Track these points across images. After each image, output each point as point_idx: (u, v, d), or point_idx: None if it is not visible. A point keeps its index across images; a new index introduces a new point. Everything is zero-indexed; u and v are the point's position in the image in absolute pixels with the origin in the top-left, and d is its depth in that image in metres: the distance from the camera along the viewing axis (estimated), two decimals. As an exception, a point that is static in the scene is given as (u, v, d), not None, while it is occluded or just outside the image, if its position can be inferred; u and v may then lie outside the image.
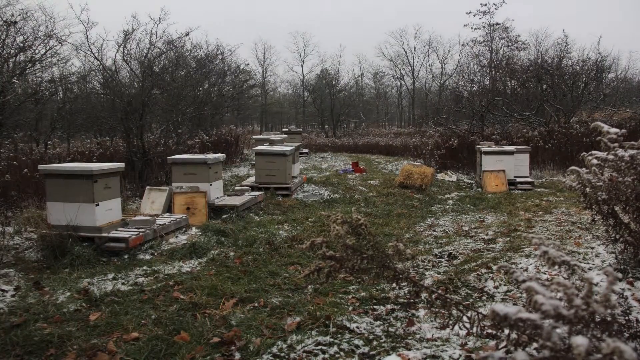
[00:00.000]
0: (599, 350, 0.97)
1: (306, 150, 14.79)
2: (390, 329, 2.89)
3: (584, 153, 2.99)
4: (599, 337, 1.24)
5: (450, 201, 7.51)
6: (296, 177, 9.01)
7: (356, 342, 2.71)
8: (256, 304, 3.31)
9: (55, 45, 10.01)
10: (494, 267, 3.98)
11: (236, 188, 7.71)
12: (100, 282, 3.84)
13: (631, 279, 3.26)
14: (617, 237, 3.10)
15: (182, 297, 3.41)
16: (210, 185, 6.42)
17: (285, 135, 13.09)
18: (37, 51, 9.97)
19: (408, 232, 5.49)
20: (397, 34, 57.35)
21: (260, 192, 7.34)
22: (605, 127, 2.58)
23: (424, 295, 1.84)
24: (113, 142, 10.87)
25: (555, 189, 8.36)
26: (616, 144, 2.60)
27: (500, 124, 13.94)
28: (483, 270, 3.94)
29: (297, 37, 74.84)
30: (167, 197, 6.19)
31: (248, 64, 24.98)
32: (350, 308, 3.22)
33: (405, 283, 1.82)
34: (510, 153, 8.76)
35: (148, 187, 6.48)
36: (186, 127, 12.23)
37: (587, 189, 3.00)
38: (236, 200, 6.60)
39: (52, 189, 4.77)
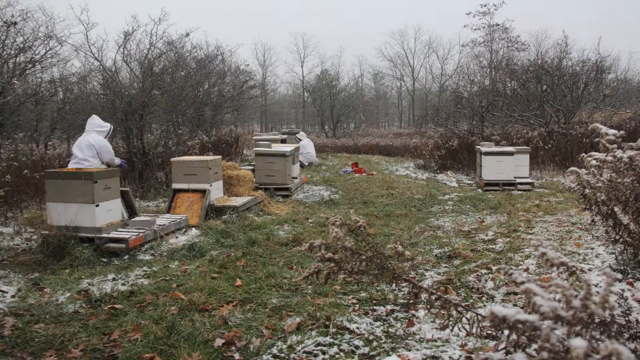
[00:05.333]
0: (598, 351, 0.97)
1: None
2: (390, 330, 2.89)
3: (583, 154, 2.99)
4: (598, 339, 1.24)
5: (450, 202, 7.52)
6: (296, 178, 9.02)
7: (356, 342, 2.71)
8: (256, 305, 3.31)
9: (55, 46, 10.03)
10: (494, 268, 3.98)
11: None
12: (100, 282, 3.84)
13: (631, 280, 3.26)
14: (617, 237, 3.10)
15: (182, 297, 3.41)
16: (210, 185, 6.42)
17: (285, 136, 13.07)
18: (37, 52, 9.99)
19: (408, 233, 5.49)
20: (396, 35, 57.27)
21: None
22: (604, 129, 2.59)
23: (423, 296, 1.84)
24: (113, 142, 10.88)
25: (555, 190, 8.36)
26: (614, 145, 2.61)
27: (500, 125, 13.93)
28: (483, 271, 3.94)
29: (297, 37, 74.84)
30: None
31: (248, 65, 24.98)
32: (350, 309, 3.22)
33: (405, 284, 1.83)
34: (510, 154, 8.77)
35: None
36: (186, 128, 12.24)
37: (587, 190, 3.01)
38: (236, 201, 6.61)
39: (52, 190, 4.77)
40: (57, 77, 11.96)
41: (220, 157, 7.08)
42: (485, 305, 3.24)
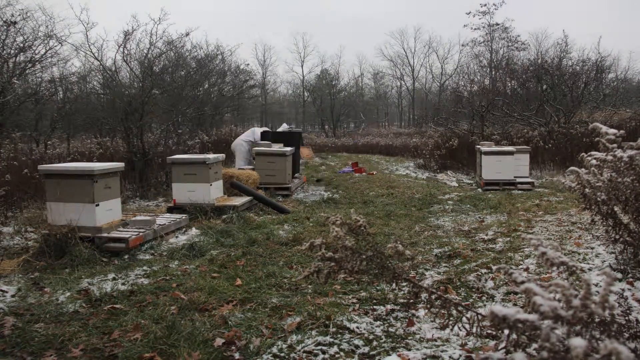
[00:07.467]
0: (597, 351, 0.97)
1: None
2: (390, 329, 2.89)
3: (583, 153, 2.99)
4: (597, 338, 1.24)
5: (450, 201, 7.51)
6: (296, 178, 9.02)
7: (356, 342, 2.71)
8: (256, 304, 3.31)
9: (55, 46, 10.03)
10: (494, 268, 3.98)
11: None
12: (101, 282, 3.84)
13: (631, 279, 3.26)
14: (617, 237, 3.10)
15: (182, 297, 3.41)
16: (210, 185, 6.42)
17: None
18: (37, 51, 9.98)
19: (408, 232, 5.49)
20: (397, 34, 57.37)
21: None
22: (604, 128, 2.59)
23: (423, 295, 1.84)
24: (113, 142, 10.88)
25: (555, 189, 8.36)
26: (615, 145, 2.61)
27: (500, 124, 13.94)
28: (483, 271, 3.94)
29: (297, 37, 74.98)
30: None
31: (248, 64, 25.01)
32: (351, 308, 3.22)
33: (405, 284, 1.83)
34: (510, 153, 8.76)
35: None
36: (186, 127, 12.24)
37: (587, 190, 3.01)
38: (236, 201, 6.61)
39: (52, 189, 4.77)
40: (57, 77, 11.96)
41: (223, 155, 7.06)
42: (485, 305, 3.24)
